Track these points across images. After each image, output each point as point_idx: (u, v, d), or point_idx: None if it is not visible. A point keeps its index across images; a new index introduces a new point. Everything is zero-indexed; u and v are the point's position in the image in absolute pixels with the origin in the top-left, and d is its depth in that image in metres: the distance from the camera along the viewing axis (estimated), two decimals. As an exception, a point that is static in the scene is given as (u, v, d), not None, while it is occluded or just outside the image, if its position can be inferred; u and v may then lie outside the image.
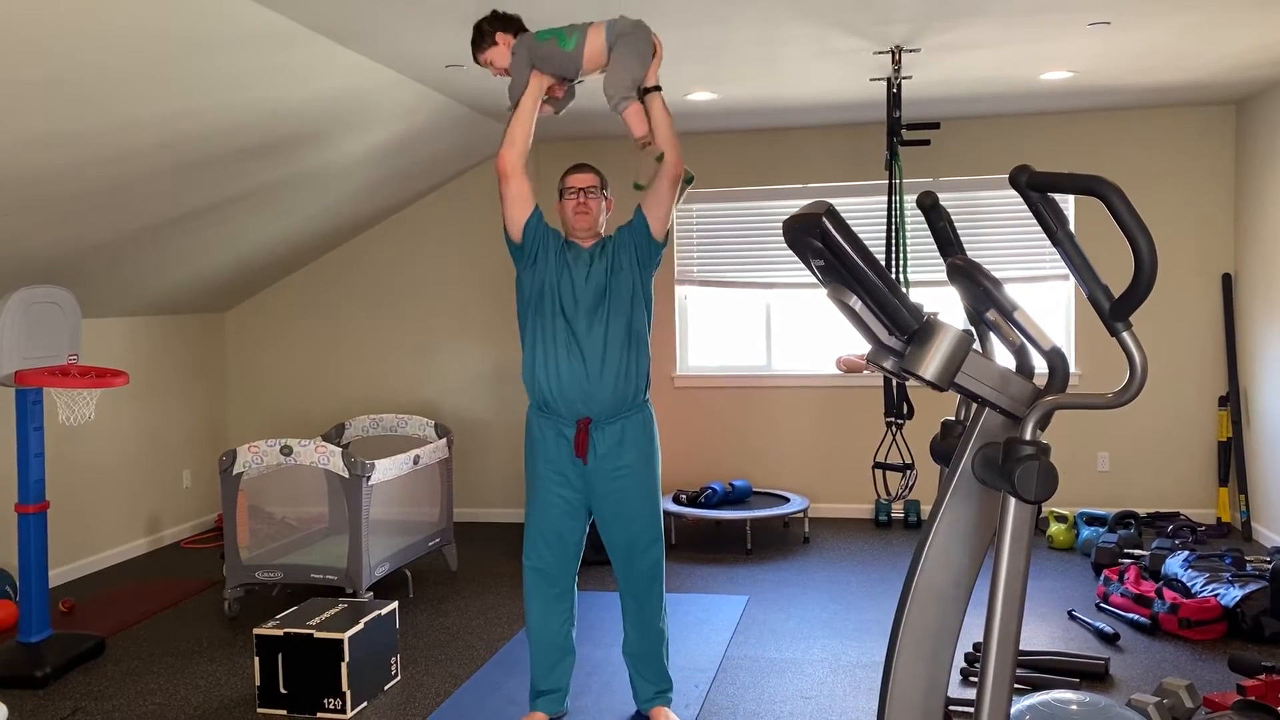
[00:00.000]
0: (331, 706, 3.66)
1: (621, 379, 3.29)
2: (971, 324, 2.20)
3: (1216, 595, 4.36)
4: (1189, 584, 4.52)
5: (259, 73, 4.00)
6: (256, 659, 3.72)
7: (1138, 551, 5.27)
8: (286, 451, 4.61)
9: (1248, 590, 4.28)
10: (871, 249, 1.87)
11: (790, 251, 6.60)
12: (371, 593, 4.74)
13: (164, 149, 4.27)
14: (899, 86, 4.72)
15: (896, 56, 4.56)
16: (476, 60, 3.29)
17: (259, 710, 3.73)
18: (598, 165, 3.52)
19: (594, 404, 3.28)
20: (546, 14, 3.80)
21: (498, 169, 3.24)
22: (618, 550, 3.41)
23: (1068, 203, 6.14)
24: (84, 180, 4.22)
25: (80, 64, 3.41)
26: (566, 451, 3.34)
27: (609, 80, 3.12)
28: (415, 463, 5.03)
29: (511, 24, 3.25)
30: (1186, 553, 4.80)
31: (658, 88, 3.20)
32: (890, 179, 4.76)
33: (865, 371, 6.45)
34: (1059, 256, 2.06)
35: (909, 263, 5.84)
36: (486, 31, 3.24)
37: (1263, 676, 3.49)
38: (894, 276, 4.36)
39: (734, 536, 6.17)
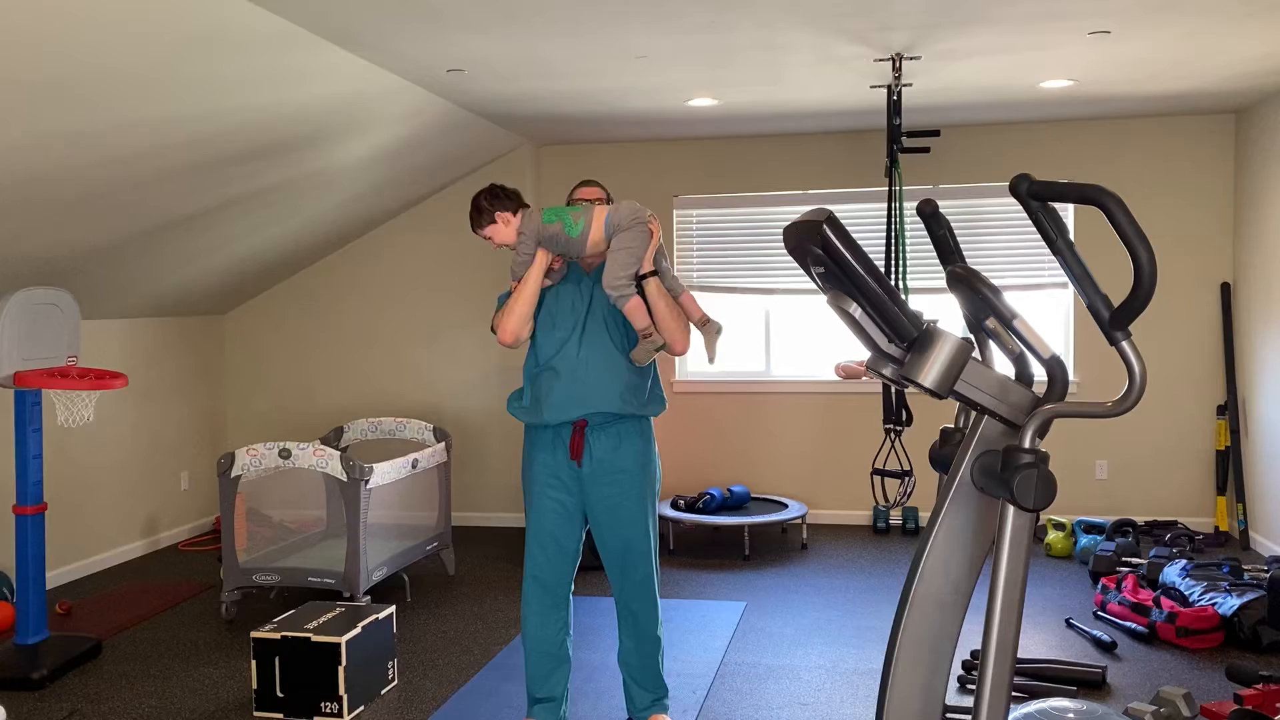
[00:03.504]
0: (328, 710, 3.66)
1: (616, 386, 3.30)
2: (971, 332, 2.20)
3: (1214, 604, 4.36)
4: (1186, 593, 4.52)
5: (259, 76, 4.01)
6: (253, 662, 3.72)
7: (1135, 560, 5.27)
8: (285, 454, 4.61)
9: (1245, 599, 4.28)
10: (871, 256, 1.87)
11: (790, 258, 6.60)
12: (369, 596, 4.74)
13: (166, 151, 4.28)
14: (899, 94, 4.73)
15: (897, 64, 4.57)
16: (475, 232, 3.35)
17: (256, 714, 3.73)
18: (597, 170, 3.55)
19: (587, 406, 3.30)
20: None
21: (502, 342, 3.30)
22: (612, 557, 3.41)
23: (1067, 211, 6.15)
24: (84, 182, 4.22)
25: (81, 65, 3.42)
26: (562, 454, 3.36)
27: (607, 277, 3.22)
28: (413, 466, 5.03)
29: (511, 201, 3.31)
30: (1184, 561, 4.80)
31: (654, 272, 3.28)
32: (890, 186, 4.77)
33: (864, 378, 6.45)
34: (1058, 265, 2.07)
35: (909, 270, 5.85)
36: (485, 209, 3.30)
37: (1260, 686, 3.49)
38: (894, 284, 4.37)
39: (732, 542, 6.17)
